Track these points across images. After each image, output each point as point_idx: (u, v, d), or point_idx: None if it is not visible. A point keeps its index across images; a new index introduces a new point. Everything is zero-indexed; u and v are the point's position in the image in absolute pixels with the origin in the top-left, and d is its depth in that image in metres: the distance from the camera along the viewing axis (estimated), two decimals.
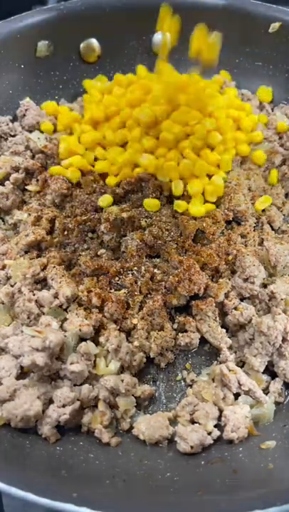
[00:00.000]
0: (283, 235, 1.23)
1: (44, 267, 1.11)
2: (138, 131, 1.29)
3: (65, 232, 1.18)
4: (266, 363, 1.01)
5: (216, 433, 0.93)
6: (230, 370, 0.99)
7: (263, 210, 1.26)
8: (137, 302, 1.06)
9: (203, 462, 0.90)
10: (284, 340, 1.01)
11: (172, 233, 1.17)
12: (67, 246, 1.18)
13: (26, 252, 1.16)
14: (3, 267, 1.12)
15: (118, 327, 1.04)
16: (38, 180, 1.30)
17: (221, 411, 0.96)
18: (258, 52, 1.56)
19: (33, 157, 1.35)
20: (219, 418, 0.96)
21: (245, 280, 1.07)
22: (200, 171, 1.24)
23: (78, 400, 0.94)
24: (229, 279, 1.10)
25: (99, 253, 1.15)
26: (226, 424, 0.93)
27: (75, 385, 0.96)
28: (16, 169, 1.30)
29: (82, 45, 1.54)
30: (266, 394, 1.00)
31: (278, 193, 1.30)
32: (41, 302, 1.04)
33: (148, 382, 1.03)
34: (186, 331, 1.06)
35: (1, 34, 1.41)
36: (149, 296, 1.09)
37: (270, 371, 1.03)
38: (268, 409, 0.97)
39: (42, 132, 1.39)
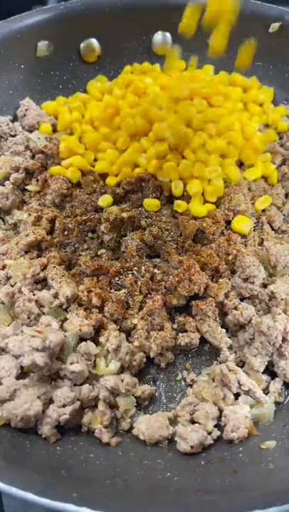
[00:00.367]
0: (283, 235, 1.23)
1: (44, 267, 1.11)
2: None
3: (65, 232, 1.18)
4: (266, 363, 1.01)
5: (216, 433, 0.93)
6: (230, 370, 0.99)
7: (263, 210, 1.26)
8: (137, 302, 1.06)
9: (203, 462, 0.90)
10: (284, 340, 1.01)
11: (172, 233, 1.17)
12: (68, 246, 1.18)
13: (26, 252, 1.16)
14: (3, 267, 1.12)
15: (118, 327, 1.04)
16: (38, 180, 1.30)
17: (221, 411, 0.96)
18: (258, 52, 1.56)
19: (33, 157, 1.35)
20: (219, 418, 0.96)
21: (245, 280, 1.07)
22: (199, 172, 1.24)
23: (78, 399, 0.94)
24: (229, 279, 1.10)
25: (99, 253, 1.15)
26: (226, 424, 0.93)
27: (75, 385, 0.96)
28: (16, 169, 1.30)
29: (82, 45, 1.55)
30: (266, 394, 1.00)
31: (278, 193, 1.30)
32: (41, 302, 1.04)
33: (148, 382, 1.03)
34: (186, 331, 1.06)
35: (1, 34, 1.41)
36: (149, 296, 1.09)
37: (270, 371, 1.03)
38: (267, 409, 0.97)
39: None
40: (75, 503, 0.71)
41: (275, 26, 1.51)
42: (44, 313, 1.04)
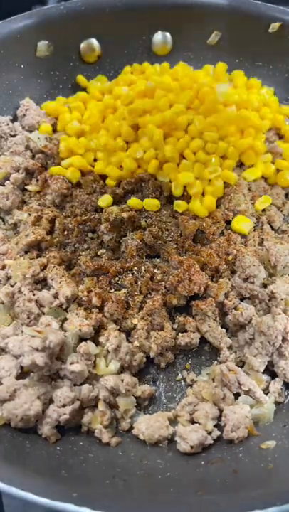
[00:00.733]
0: (283, 234, 1.23)
1: (44, 267, 1.11)
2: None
3: (65, 232, 1.18)
4: (266, 363, 1.01)
5: (216, 433, 0.94)
6: (230, 370, 0.99)
7: (263, 210, 1.26)
8: (137, 302, 1.06)
9: (203, 462, 0.90)
10: (284, 340, 1.01)
11: (172, 233, 1.17)
12: (68, 246, 1.18)
13: (26, 252, 1.16)
14: (3, 267, 1.12)
15: (118, 327, 1.04)
16: (38, 180, 1.30)
17: (220, 411, 0.96)
18: (258, 52, 1.56)
19: (33, 157, 1.35)
20: (219, 418, 0.96)
21: (245, 280, 1.07)
22: (199, 173, 1.24)
23: (78, 399, 0.94)
24: (229, 279, 1.10)
25: (99, 253, 1.15)
26: (226, 424, 0.93)
27: (75, 385, 0.96)
28: (16, 169, 1.30)
29: (82, 45, 1.54)
30: (266, 394, 1.00)
31: (278, 193, 1.30)
32: (41, 302, 1.04)
33: (148, 382, 1.03)
34: (186, 331, 1.06)
35: (1, 34, 1.41)
36: (149, 296, 1.09)
37: (270, 371, 1.03)
38: (268, 409, 0.97)
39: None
40: (75, 503, 0.71)
41: (275, 26, 1.51)
42: (44, 313, 1.04)
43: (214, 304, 1.07)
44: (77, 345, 0.99)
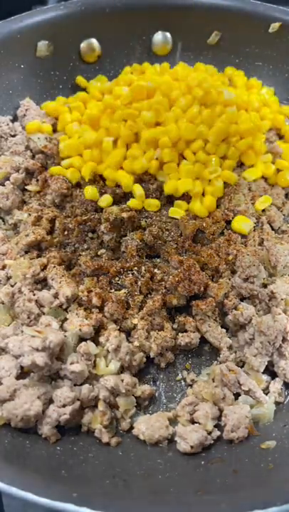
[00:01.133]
0: (283, 235, 1.23)
1: (44, 267, 1.11)
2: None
3: (65, 232, 1.18)
4: (266, 363, 1.01)
5: (216, 433, 0.93)
6: (230, 370, 0.99)
7: (263, 210, 1.26)
8: (137, 302, 1.06)
9: (203, 462, 0.90)
10: (284, 340, 1.01)
11: (172, 233, 1.17)
12: (68, 246, 1.18)
13: (26, 252, 1.16)
14: (3, 267, 1.12)
15: (118, 327, 1.04)
16: (38, 180, 1.30)
17: (221, 411, 0.96)
18: (258, 52, 1.56)
19: (33, 157, 1.35)
20: (219, 418, 0.96)
21: (245, 280, 1.07)
22: (199, 173, 1.24)
23: (78, 399, 0.94)
24: (229, 279, 1.10)
25: (99, 253, 1.15)
26: (226, 424, 0.93)
27: (75, 385, 0.96)
28: (16, 169, 1.30)
29: (82, 45, 1.54)
30: (266, 394, 1.00)
31: (278, 193, 1.30)
32: (41, 302, 1.04)
33: (148, 382, 1.03)
34: (186, 331, 1.06)
35: (1, 34, 1.41)
36: (149, 296, 1.09)
37: (270, 371, 1.03)
38: (268, 409, 0.97)
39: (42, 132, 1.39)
40: (75, 503, 0.71)
41: (275, 26, 1.51)
42: (44, 313, 1.04)
43: (214, 304, 1.07)
44: (77, 345, 0.99)
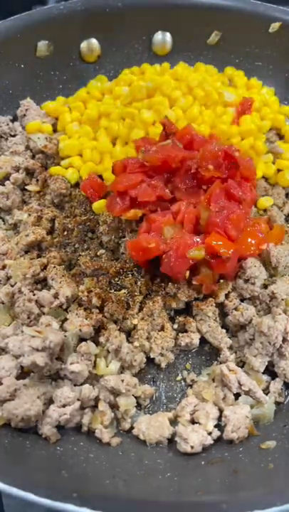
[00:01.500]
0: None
1: (44, 267, 1.11)
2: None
3: (65, 233, 1.18)
4: (266, 363, 1.01)
5: (216, 433, 0.93)
6: (230, 370, 0.99)
7: (265, 210, 1.26)
8: (137, 302, 1.06)
9: (203, 462, 0.90)
10: (284, 340, 1.01)
11: None
12: (68, 246, 1.18)
13: (26, 252, 1.16)
14: (4, 267, 1.12)
15: (118, 327, 1.04)
16: (38, 180, 1.30)
17: (221, 411, 0.96)
18: (258, 52, 1.56)
19: (33, 157, 1.35)
20: (219, 418, 0.96)
21: (246, 281, 1.07)
22: None
23: (78, 399, 0.94)
24: (230, 280, 1.10)
25: (98, 253, 1.15)
26: (226, 424, 0.93)
27: (75, 385, 0.96)
28: (16, 169, 1.30)
29: (82, 45, 1.54)
30: (266, 394, 0.99)
31: (279, 193, 1.30)
32: (41, 302, 1.04)
33: (148, 382, 1.03)
34: (186, 331, 1.06)
35: (1, 34, 1.41)
36: (148, 296, 1.09)
37: (270, 371, 1.03)
38: (268, 409, 0.97)
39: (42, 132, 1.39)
40: (75, 503, 0.71)
41: (275, 26, 1.51)
42: (44, 313, 1.04)
43: (214, 304, 1.07)
44: (77, 345, 0.99)
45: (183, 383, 1.04)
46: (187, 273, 1.03)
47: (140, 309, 1.06)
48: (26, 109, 1.43)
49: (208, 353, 1.08)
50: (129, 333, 1.05)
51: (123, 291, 1.08)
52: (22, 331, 0.99)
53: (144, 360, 1.03)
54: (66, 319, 1.04)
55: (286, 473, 0.84)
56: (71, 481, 0.81)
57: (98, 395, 0.95)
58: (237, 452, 0.91)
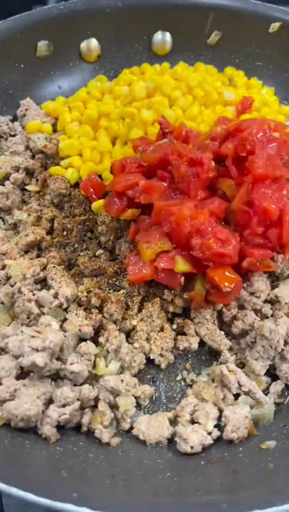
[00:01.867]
0: None
1: (44, 267, 1.11)
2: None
3: (64, 233, 1.18)
4: (267, 367, 1.01)
5: (216, 433, 0.93)
6: (230, 371, 0.98)
7: None
8: (136, 303, 1.06)
9: (203, 462, 0.90)
10: (286, 343, 1.00)
11: None
12: (67, 246, 1.18)
13: (26, 252, 1.16)
14: (3, 267, 1.12)
15: (118, 327, 1.04)
16: (37, 180, 1.30)
17: (221, 411, 0.96)
18: (258, 52, 1.56)
19: (33, 157, 1.35)
20: (219, 418, 0.96)
21: (252, 294, 1.05)
22: None
23: (78, 399, 0.94)
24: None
25: (97, 254, 1.15)
26: (226, 424, 0.93)
27: (75, 385, 0.96)
28: (16, 169, 1.30)
29: (82, 45, 1.55)
30: (266, 394, 0.99)
31: None
32: (41, 302, 1.04)
33: (148, 382, 1.03)
34: (184, 334, 1.06)
35: (1, 34, 1.41)
36: (147, 298, 1.09)
37: (270, 372, 1.03)
38: (268, 409, 0.97)
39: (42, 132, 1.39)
40: (75, 503, 0.71)
41: (275, 26, 1.51)
42: (44, 313, 1.04)
43: (212, 307, 1.06)
44: (77, 346, 0.99)
45: (183, 383, 1.04)
46: (182, 279, 1.02)
47: (139, 310, 1.06)
48: (26, 109, 1.43)
49: (208, 353, 1.08)
50: (128, 334, 1.04)
51: (122, 291, 1.08)
52: (22, 331, 0.99)
53: (144, 360, 1.03)
54: (66, 319, 1.04)
55: (286, 473, 0.84)
56: (71, 481, 0.81)
57: (98, 395, 0.95)
58: (237, 452, 0.91)
